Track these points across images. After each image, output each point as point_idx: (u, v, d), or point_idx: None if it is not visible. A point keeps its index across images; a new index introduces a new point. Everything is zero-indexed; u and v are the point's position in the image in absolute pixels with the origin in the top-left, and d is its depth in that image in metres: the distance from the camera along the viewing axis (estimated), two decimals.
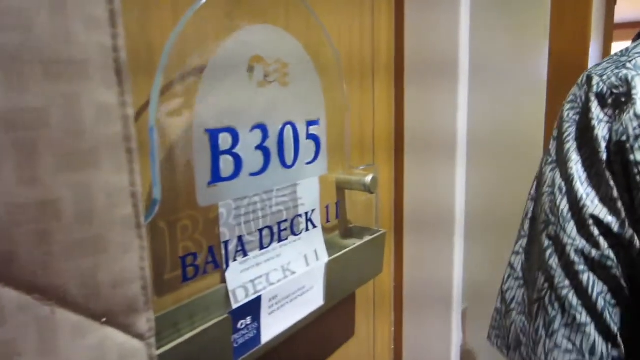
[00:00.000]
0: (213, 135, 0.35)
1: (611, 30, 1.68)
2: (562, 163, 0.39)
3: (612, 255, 0.36)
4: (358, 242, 0.56)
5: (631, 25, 3.77)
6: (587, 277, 0.36)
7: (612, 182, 0.36)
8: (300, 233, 0.48)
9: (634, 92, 0.35)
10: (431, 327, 0.77)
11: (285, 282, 0.43)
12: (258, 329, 0.40)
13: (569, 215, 0.37)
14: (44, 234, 0.21)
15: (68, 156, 0.21)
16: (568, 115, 0.40)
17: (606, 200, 0.36)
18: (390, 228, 0.77)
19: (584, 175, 0.37)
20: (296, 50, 0.42)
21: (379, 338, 0.76)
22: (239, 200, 0.41)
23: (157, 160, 0.29)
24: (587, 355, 0.36)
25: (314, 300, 0.48)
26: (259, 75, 0.38)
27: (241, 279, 0.42)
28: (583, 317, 0.36)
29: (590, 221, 0.36)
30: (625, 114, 0.35)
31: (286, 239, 0.46)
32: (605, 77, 0.38)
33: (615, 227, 0.35)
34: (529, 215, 0.43)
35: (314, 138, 0.47)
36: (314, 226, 0.50)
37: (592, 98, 0.38)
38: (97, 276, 0.24)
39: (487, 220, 0.95)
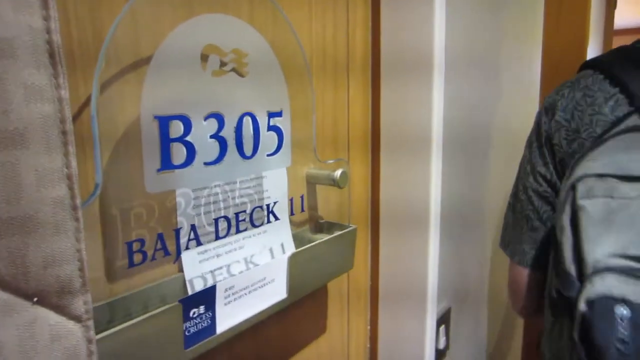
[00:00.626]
0: (162, 121, 0.35)
1: (610, 35, 1.67)
2: (528, 146, 0.70)
3: (549, 190, 0.66)
4: (326, 237, 0.56)
5: (634, 31, 3.78)
6: (538, 203, 0.67)
7: (546, 154, 0.66)
8: (261, 225, 0.48)
9: (556, 108, 0.65)
10: (407, 326, 0.77)
11: (243, 273, 0.43)
12: (213, 318, 0.40)
13: (530, 172, 0.68)
14: None
15: None
16: (536, 119, 0.70)
17: (544, 163, 0.66)
18: (367, 225, 0.77)
19: (536, 152, 0.68)
20: (256, 42, 0.42)
21: (353, 336, 0.76)
22: (199, 191, 0.41)
23: (99, 146, 0.29)
24: (538, 244, 0.68)
25: (276, 292, 0.48)
26: (213, 64, 0.38)
27: (200, 269, 0.43)
28: (537, 224, 0.68)
29: (538, 175, 0.67)
30: (552, 119, 0.65)
31: (245, 229, 0.46)
32: (549, 98, 0.68)
33: (548, 175, 0.65)
34: (518, 175, 0.73)
35: (276, 130, 0.47)
36: (277, 218, 0.50)
37: (542, 109, 0.68)
38: (26, 255, 0.24)
39: (471, 220, 0.95)
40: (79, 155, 0.31)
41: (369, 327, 0.80)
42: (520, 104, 1.16)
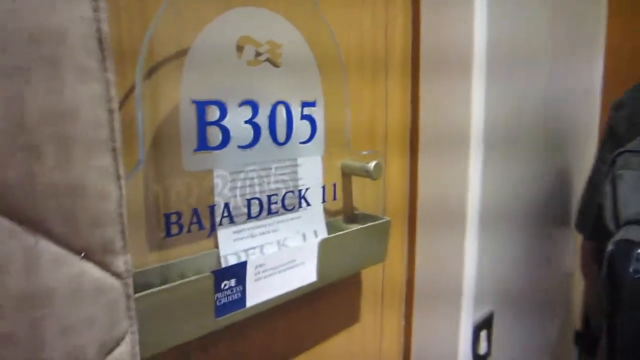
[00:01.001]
0: (200, 106, 0.38)
1: None
2: (600, 137, 0.86)
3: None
4: (358, 227, 0.58)
5: None
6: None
7: (610, 143, 0.83)
8: (293, 209, 0.51)
9: (621, 105, 0.84)
10: (441, 326, 0.77)
11: (274, 253, 0.46)
12: (243, 292, 0.43)
13: (599, 158, 0.89)
14: (29, 174, 0.25)
15: (49, 109, 0.25)
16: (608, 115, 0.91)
17: (610, 151, 0.76)
18: (404, 221, 0.78)
19: (604, 142, 0.89)
20: (290, 34, 0.45)
21: (387, 330, 0.77)
22: (235, 173, 0.44)
23: (142, 125, 0.33)
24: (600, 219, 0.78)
25: (306, 275, 0.51)
26: (249, 54, 0.41)
27: (234, 246, 0.46)
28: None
29: (605, 161, 0.77)
30: (617, 114, 0.85)
31: (277, 212, 0.49)
32: (619, 98, 0.86)
33: (607, 154, 0.76)
34: (593, 164, 0.94)
35: (309, 119, 0.49)
36: (308, 204, 0.53)
37: (612, 107, 0.88)
38: (76, 216, 0.27)
39: (521, 223, 0.93)
40: (123, 135, 0.35)
41: (403, 323, 0.81)
42: (578, 104, 1.11)
